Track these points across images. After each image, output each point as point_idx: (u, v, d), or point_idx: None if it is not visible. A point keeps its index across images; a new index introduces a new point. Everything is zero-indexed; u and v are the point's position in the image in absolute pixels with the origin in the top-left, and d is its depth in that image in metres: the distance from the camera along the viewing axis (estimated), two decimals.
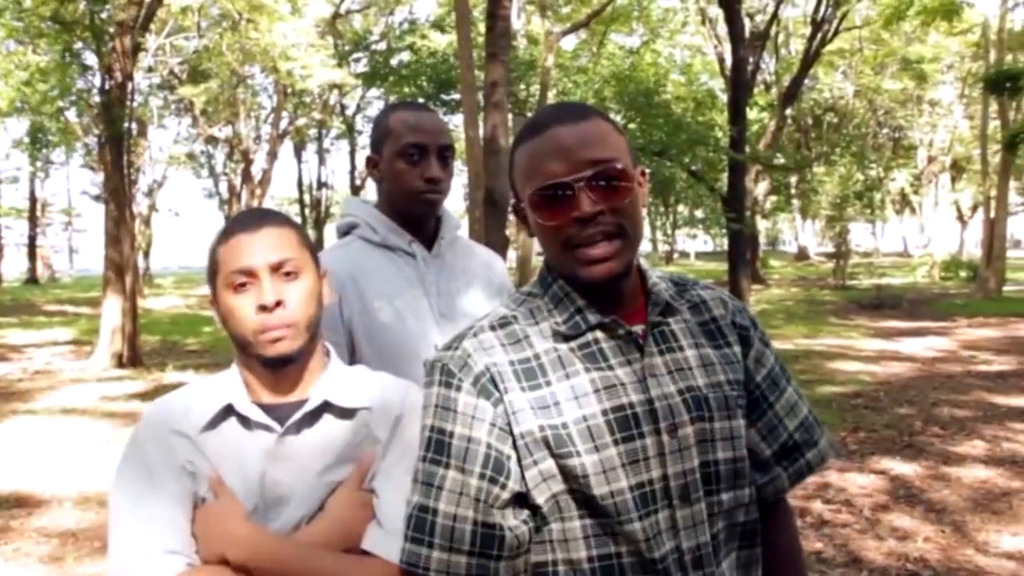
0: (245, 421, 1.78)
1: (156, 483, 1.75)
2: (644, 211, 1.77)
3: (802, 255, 48.67)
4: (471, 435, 1.61)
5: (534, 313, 1.72)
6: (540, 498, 1.61)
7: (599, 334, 1.67)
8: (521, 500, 1.62)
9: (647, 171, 1.73)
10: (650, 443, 1.59)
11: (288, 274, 1.76)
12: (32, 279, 45.71)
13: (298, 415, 1.77)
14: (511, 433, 1.61)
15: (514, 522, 1.61)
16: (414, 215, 2.48)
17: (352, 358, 2.35)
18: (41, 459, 8.29)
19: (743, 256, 20.23)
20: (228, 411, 1.78)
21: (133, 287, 15.43)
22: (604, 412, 1.59)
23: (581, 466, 1.57)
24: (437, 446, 1.64)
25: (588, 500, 1.58)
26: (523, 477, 1.61)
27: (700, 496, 1.61)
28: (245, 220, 1.83)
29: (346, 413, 1.81)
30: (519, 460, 1.61)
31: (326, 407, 1.80)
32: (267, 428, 1.77)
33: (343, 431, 1.81)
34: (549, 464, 1.59)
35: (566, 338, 1.67)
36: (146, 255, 34.88)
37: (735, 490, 1.67)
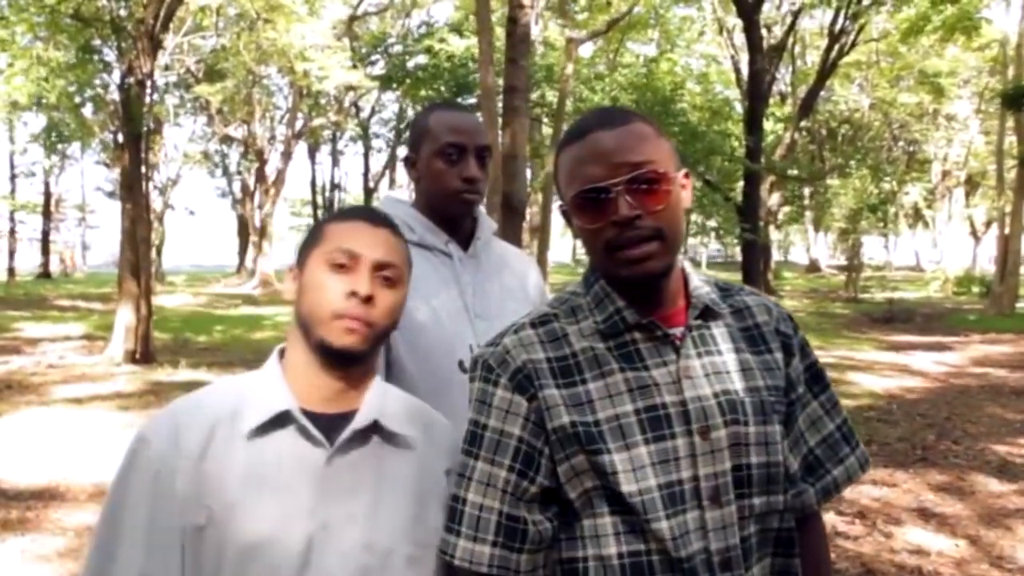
0: (296, 433, 1.66)
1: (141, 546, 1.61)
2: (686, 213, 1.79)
3: (814, 267, 48.58)
4: (504, 429, 1.65)
5: (575, 312, 1.75)
6: (572, 493, 1.63)
7: (637, 334, 1.68)
8: (551, 496, 1.65)
9: (689, 173, 1.75)
10: (681, 444, 1.61)
11: (387, 279, 1.73)
12: (45, 273, 45.82)
13: (348, 431, 1.68)
14: (544, 428, 1.63)
15: (539, 517, 1.64)
16: (451, 215, 2.49)
17: (387, 356, 2.36)
18: (56, 452, 8.32)
19: (756, 266, 20.21)
20: (279, 419, 1.66)
21: (147, 284, 15.45)
22: (636, 411, 1.62)
23: (610, 463, 1.58)
24: (471, 438, 1.69)
25: (617, 497, 1.59)
26: (555, 472, 1.64)
27: (731, 499, 1.62)
28: (369, 213, 1.81)
29: (394, 438, 1.74)
30: (552, 455, 1.64)
31: (375, 428, 1.72)
32: (316, 442, 1.66)
33: (398, 461, 1.74)
34: (580, 459, 1.61)
35: (604, 337, 1.69)
36: (159, 252, 34.96)
37: (768, 495, 1.67)
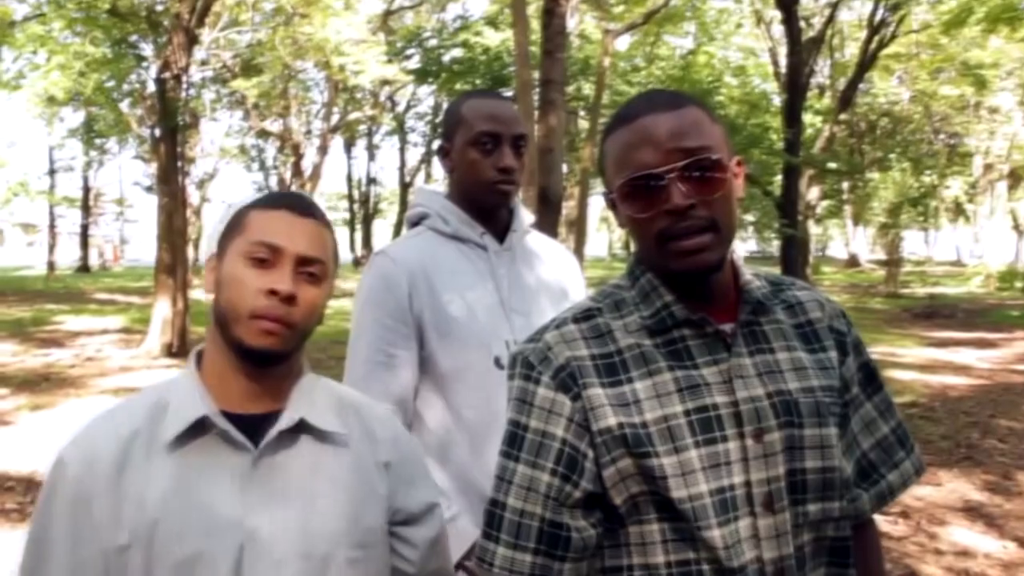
0: (218, 438, 1.56)
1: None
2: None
3: (853, 262, 48.13)
4: (546, 430, 1.55)
5: (620, 306, 1.65)
6: (617, 498, 1.53)
7: (686, 331, 1.59)
8: (595, 501, 1.55)
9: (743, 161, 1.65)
10: (733, 447, 1.51)
11: (311, 276, 1.60)
12: (84, 267, 46.28)
13: (273, 433, 1.58)
14: (589, 430, 1.54)
15: (583, 523, 1.54)
16: (486, 206, 2.41)
17: (420, 353, 2.29)
18: None
19: (795, 261, 20.02)
20: (198, 426, 1.55)
21: (184, 278, 15.54)
22: (686, 412, 1.52)
23: (659, 467, 1.49)
24: (511, 439, 1.59)
25: (666, 503, 1.50)
26: (600, 476, 1.54)
27: (785, 505, 1.52)
28: (293, 200, 1.67)
29: (325, 436, 1.64)
30: (596, 458, 1.54)
31: (303, 426, 1.62)
32: (239, 446, 1.56)
33: (329, 461, 1.65)
34: (627, 463, 1.51)
35: (651, 333, 1.59)
36: (196, 246, 35.16)
37: (823, 502, 1.56)
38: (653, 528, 1.52)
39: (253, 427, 1.58)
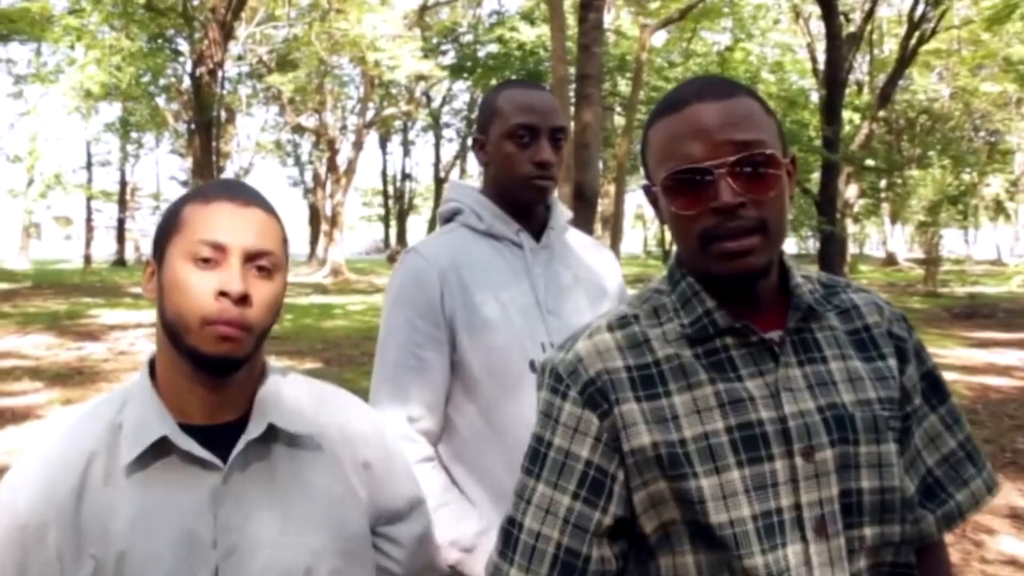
0: (182, 457, 1.44)
1: None
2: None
3: (891, 260, 47.65)
4: (570, 449, 1.44)
5: (658, 312, 1.52)
6: (648, 526, 1.42)
7: (729, 340, 1.46)
8: (623, 528, 1.43)
9: (795, 158, 1.51)
10: (780, 467, 1.38)
11: (262, 269, 1.46)
12: (120, 261, 46.69)
13: (241, 444, 1.46)
14: (620, 450, 1.41)
15: (607, 553, 1.42)
16: (522, 202, 2.29)
17: (452, 356, 2.18)
18: None
19: (834, 260, 19.79)
20: (158, 446, 1.43)
21: None
22: (728, 429, 1.39)
23: (697, 490, 1.36)
24: (533, 455, 1.48)
25: (704, 530, 1.37)
26: (630, 500, 1.42)
27: (839, 530, 1.38)
28: (232, 189, 1.52)
29: (297, 440, 1.53)
30: (627, 481, 1.42)
31: (272, 433, 1.50)
32: (206, 463, 1.43)
33: (305, 467, 1.53)
34: (661, 487, 1.39)
35: (691, 343, 1.46)
36: None
37: (882, 525, 1.42)
38: (687, 560, 1.40)
39: (218, 439, 1.46)
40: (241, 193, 1.51)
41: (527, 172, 2.23)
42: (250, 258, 1.45)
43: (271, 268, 1.48)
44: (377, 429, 1.66)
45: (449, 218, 2.36)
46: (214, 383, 1.47)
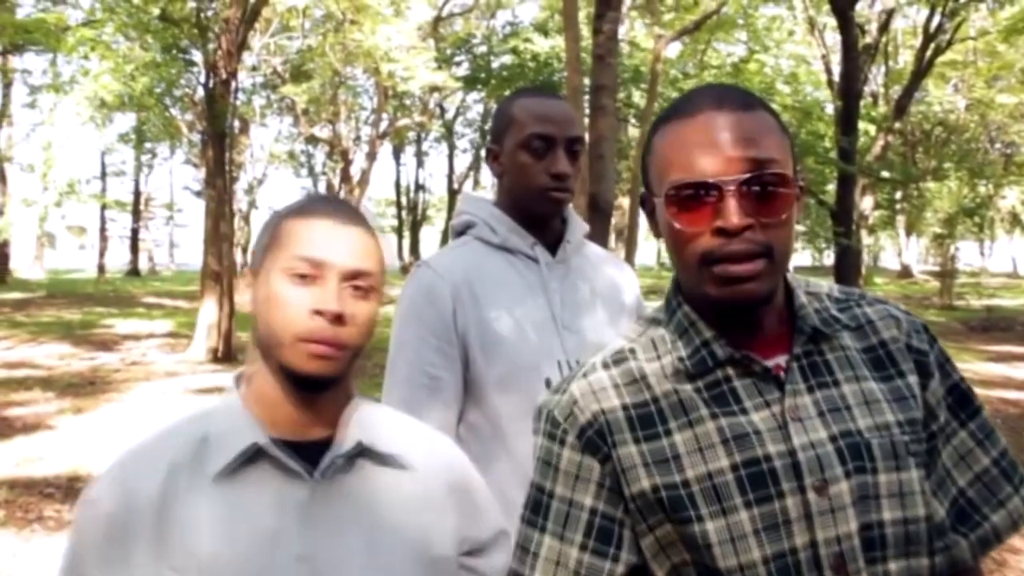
0: (270, 468, 1.42)
1: None
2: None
3: (906, 273, 47.41)
4: (572, 498, 1.36)
5: (656, 345, 1.44)
6: (659, 571, 1.33)
7: (730, 371, 1.37)
8: (638, 574, 1.35)
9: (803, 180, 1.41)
10: (791, 504, 1.29)
11: (359, 289, 1.46)
12: (134, 271, 46.79)
13: (329, 457, 1.43)
14: (622, 495, 1.33)
15: None
16: (538, 214, 2.21)
17: (465, 375, 2.10)
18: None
19: (849, 272, 19.64)
20: (249, 455, 1.42)
21: (231, 283, 15.56)
22: (733, 467, 1.30)
23: (703, 534, 1.28)
24: (535, 506, 1.40)
25: (716, 573, 1.28)
26: (638, 546, 1.34)
27: (861, 567, 1.29)
28: (334, 207, 1.51)
29: (386, 460, 1.49)
30: (633, 526, 1.34)
31: (362, 450, 1.48)
32: (295, 475, 1.42)
33: (392, 485, 1.48)
34: (667, 530, 1.31)
35: (691, 377, 1.37)
36: (245, 252, 35.35)
37: (908, 559, 1.32)
38: None
39: (305, 455, 1.44)
40: (342, 210, 1.51)
41: (543, 183, 2.15)
42: (347, 277, 1.45)
43: (368, 289, 1.48)
44: (460, 458, 1.62)
45: (462, 231, 2.29)
46: (305, 399, 1.47)
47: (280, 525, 1.39)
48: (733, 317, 1.36)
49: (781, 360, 1.37)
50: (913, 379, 1.42)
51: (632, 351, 1.45)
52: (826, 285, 1.54)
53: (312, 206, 1.51)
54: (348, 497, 1.45)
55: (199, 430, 1.47)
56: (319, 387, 1.45)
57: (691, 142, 1.31)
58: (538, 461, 1.43)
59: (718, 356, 1.37)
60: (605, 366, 1.44)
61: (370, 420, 1.53)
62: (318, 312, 1.40)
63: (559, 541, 1.36)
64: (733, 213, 1.26)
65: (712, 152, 1.29)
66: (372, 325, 1.49)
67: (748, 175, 1.27)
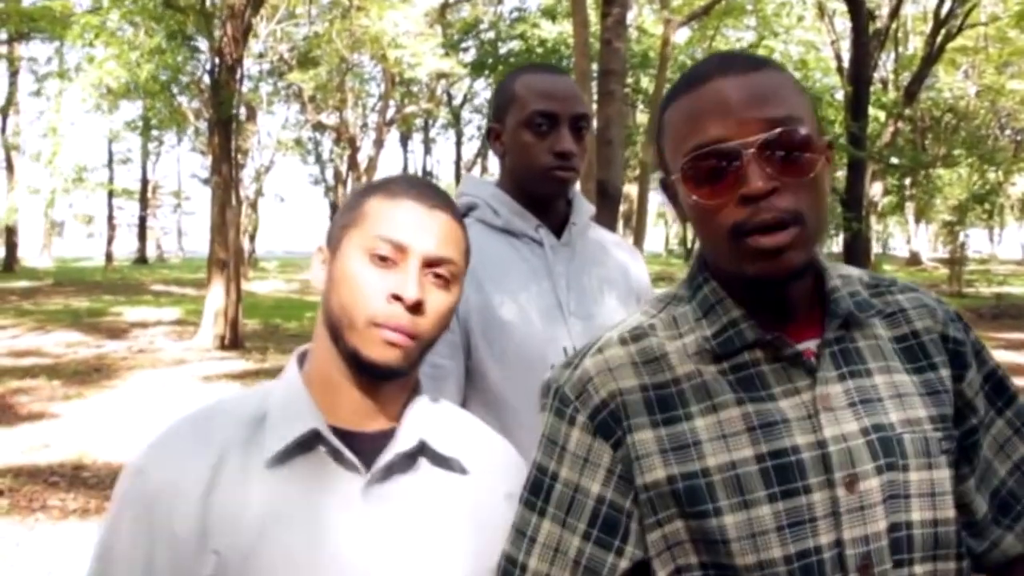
0: (326, 457, 1.34)
1: None
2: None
3: (915, 260, 47.25)
4: (579, 483, 1.28)
5: (678, 322, 1.35)
6: (661, 571, 1.25)
7: (759, 354, 1.28)
8: (641, 571, 1.26)
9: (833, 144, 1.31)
10: (818, 499, 1.20)
11: (439, 277, 1.38)
12: (141, 259, 46.90)
13: (391, 454, 1.35)
14: (633, 483, 1.25)
15: None
16: (542, 195, 2.13)
17: (467, 362, 2.03)
18: (137, 437, 8.20)
19: (859, 259, 19.54)
20: (305, 441, 1.34)
21: (237, 270, 15.54)
22: (758, 458, 1.21)
23: (720, 528, 1.20)
24: (536, 487, 1.32)
25: (727, 572, 1.20)
26: (644, 541, 1.26)
27: (888, 569, 1.21)
28: (422, 189, 1.44)
29: (444, 462, 1.41)
30: (641, 518, 1.25)
31: (421, 449, 1.39)
32: (351, 467, 1.34)
33: (450, 489, 1.40)
34: (677, 527, 1.23)
35: (715, 358, 1.29)
36: (252, 239, 35.39)
37: (935, 562, 1.25)
38: None
39: (364, 446, 1.36)
40: (429, 194, 1.43)
41: (546, 163, 2.07)
42: (430, 264, 1.37)
43: (449, 278, 1.40)
44: (520, 463, 1.52)
45: (463, 213, 2.20)
46: (369, 388, 1.39)
47: (330, 520, 1.31)
48: (765, 295, 1.28)
49: (811, 345, 1.29)
50: (945, 372, 1.34)
51: (652, 327, 1.36)
52: (856, 270, 1.45)
53: (400, 186, 1.44)
54: (402, 497, 1.36)
55: (256, 409, 1.39)
56: (386, 376, 1.37)
57: (702, 111, 1.23)
58: (543, 439, 1.34)
59: (746, 337, 1.28)
60: (622, 342, 1.34)
61: (433, 417, 1.45)
62: (396, 297, 1.33)
63: (560, 527, 1.28)
64: (756, 177, 1.17)
65: (725, 116, 1.20)
66: (449, 317, 1.42)
67: (766, 135, 1.18)
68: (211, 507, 1.29)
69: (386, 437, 1.38)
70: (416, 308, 1.33)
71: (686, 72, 1.31)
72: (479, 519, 1.40)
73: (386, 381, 1.39)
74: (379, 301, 1.33)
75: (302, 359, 1.46)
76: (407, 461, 1.38)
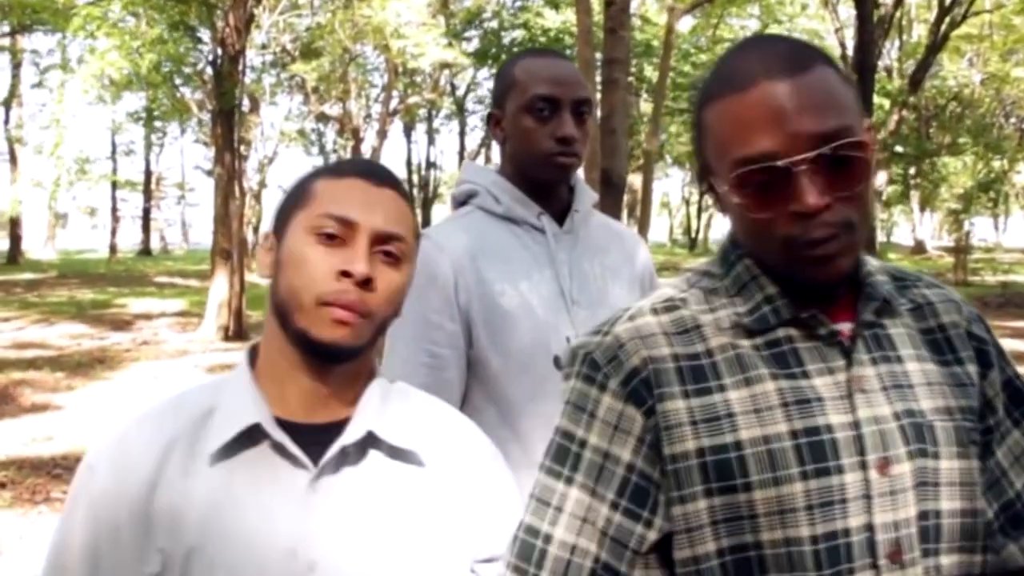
0: (271, 452, 1.30)
1: None
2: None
3: (919, 248, 47.17)
4: (609, 450, 1.22)
5: (709, 297, 1.30)
6: (677, 555, 1.20)
7: (793, 331, 1.24)
8: (664, 547, 1.22)
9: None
10: (850, 480, 1.16)
11: (390, 255, 1.35)
12: (145, 250, 46.95)
13: (336, 448, 1.31)
14: (661, 454, 1.20)
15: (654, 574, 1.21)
16: (543, 182, 2.09)
17: (468, 353, 1.99)
18: None
19: (867, 248, 19.49)
20: (248, 435, 1.30)
21: (241, 261, 15.53)
22: (792, 434, 1.17)
23: (748, 504, 1.15)
24: (562, 454, 1.26)
25: (746, 564, 1.16)
26: (670, 512, 1.21)
27: (917, 558, 1.17)
28: (367, 167, 1.41)
29: (396, 453, 1.36)
30: (667, 490, 1.21)
31: (372, 440, 1.34)
32: (296, 461, 1.30)
33: (403, 483, 1.36)
34: (699, 507, 1.18)
35: (749, 333, 1.25)
36: (255, 230, 35.36)
37: (961, 554, 1.21)
38: None
39: (313, 439, 1.32)
40: (376, 172, 1.41)
41: (548, 148, 2.03)
42: (378, 240, 1.34)
43: (399, 256, 1.37)
44: (489, 451, 1.49)
45: (463, 201, 2.17)
46: (320, 373, 1.35)
47: (274, 516, 1.27)
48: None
49: (844, 327, 1.26)
50: (971, 368, 1.32)
51: (684, 300, 1.32)
52: (878, 262, 1.41)
53: (344, 166, 1.42)
54: (351, 491, 1.32)
55: (204, 403, 1.36)
56: (336, 358, 1.33)
57: (749, 120, 1.17)
58: (568, 405, 1.29)
59: (782, 314, 1.25)
60: (654, 311, 1.30)
61: (389, 408, 1.40)
62: (345, 274, 1.29)
63: (589, 496, 1.23)
64: (808, 194, 1.13)
65: (775, 129, 1.15)
66: (400, 297, 1.39)
67: (819, 151, 1.14)
68: (154, 505, 1.27)
69: (339, 428, 1.34)
70: (366, 284, 1.30)
71: (726, 67, 1.25)
72: (435, 512, 1.36)
73: (337, 365, 1.35)
74: (327, 279, 1.29)
75: (254, 352, 1.43)
76: (356, 453, 1.34)
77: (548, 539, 1.24)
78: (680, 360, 1.24)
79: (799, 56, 1.19)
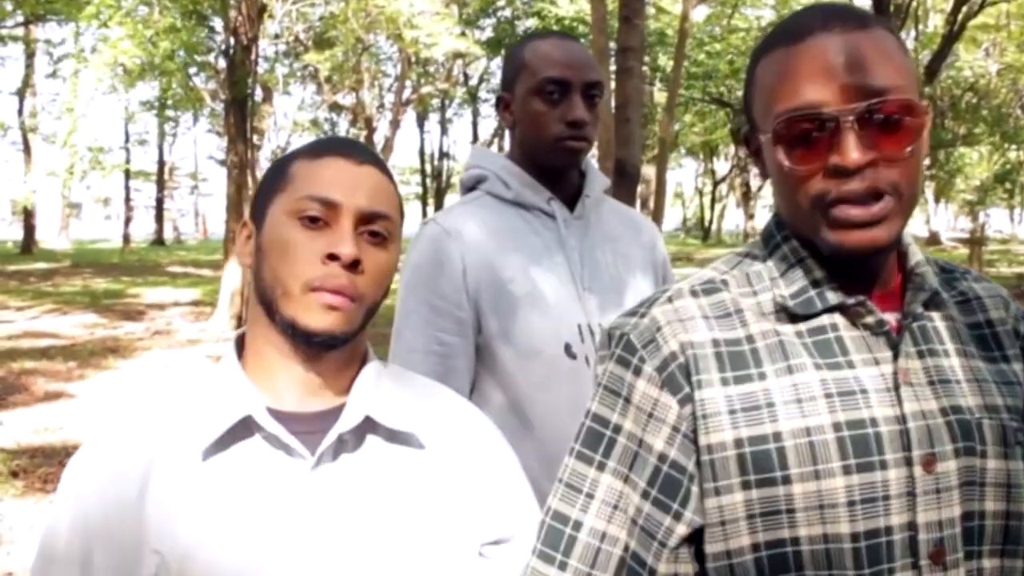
0: (265, 443, 1.26)
1: None
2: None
3: (934, 239, 47.00)
4: (643, 438, 1.19)
5: (752, 280, 1.26)
6: (710, 547, 1.16)
7: (838, 319, 1.20)
8: (695, 541, 1.18)
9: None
10: (894, 477, 1.12)
11: (376, 235, 1.30)
12: (159, 240, 47.10)
13: (333, 435, 1.27)
14: (697, 444, 1.16)
15: (682, 570, 1.17)
16: (553, 166, 2.06)
17: (476, 340, 1.96)
18: None
19: None
20: (241, 427, 1.26)
21: None
22: (836, 426, 1.13)
23: (787, 498, 1.11)
24: (594, 439, 1.22)
25: (783, 560, 1.12)
26: (703, 506, 1.17)
27: (959, 559, 1.13)
28: (347, 146, 1.35)
29: (395, 436, 1.32)
30: (701, 482, 1.17)
31: (369, 425, 1.31)
32: (292, 451, 1.25)
33: (404, 468, 1.32)
34: (735, 499, 1.14)
35: (793, 318, 1.20)
36: None
37: (1003, 558, 1.17)
38: None
39: (308, 428, 1.28)
40: (356, 150, 1.35)
41: (558, 132, 2.00)
42: (363, 220, 1.29)
43: (386, 236, 1.32)
44: (489, 435, 1.46)
45: (472, 186, 2.13)
46: (311, 360, 1.31)
47: (273, 508, 1.23)
48: (845, 263, 1.20)
49: (891, 318, 1.21)
50: (1018, 366, 1.27)
51: (724, 282, 1.27)
52: (929, 255, 1.36)
53: (322, 146, 1.36)
54: (351, 478, 1.28)
55: (192, 397, 1.32)
56: (328, 345, 1.28)
57: (800, 70, 1.14)
58: (601, 388, 1.24)
59: (828, 299, 1.20)
60: (694, 294, 1.27)
61: (384, 391, 1.36)
62: (332, 257, 1.25)
63: (622, 482, 1.19)
64: (852, 148, 1.10)
65: (826, 80, 1.12)
66: (389, 278, 1.35)
67: (867, 104, 1.11)
68: (147, 506, 1.23)
69: (334, 415, 1.29)
70: (354, 267, 1.26)
71: (785, 21, 1.22)
72: (439, 495, 1.33)
73: (328, 352, 1.30)
74: (314, 264, 1.25)
75: (240, 343, 1.38)
76: (354, 440, 1.30)
77: (577, 526, 1.20)
78: (720, 345, 1.20)
79: (859, 16, 1.17)
